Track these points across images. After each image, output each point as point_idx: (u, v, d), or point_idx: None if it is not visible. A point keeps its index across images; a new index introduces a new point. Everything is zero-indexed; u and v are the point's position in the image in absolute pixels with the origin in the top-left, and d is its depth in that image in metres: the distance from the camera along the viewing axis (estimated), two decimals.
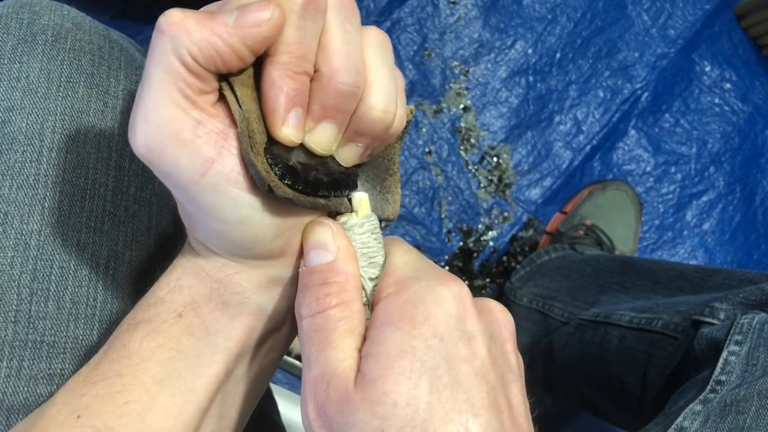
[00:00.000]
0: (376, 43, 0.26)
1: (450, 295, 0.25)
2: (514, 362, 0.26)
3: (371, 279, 0.27)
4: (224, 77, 0.24)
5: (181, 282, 0.27)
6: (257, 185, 0.24)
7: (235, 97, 0.24)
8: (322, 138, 0.26)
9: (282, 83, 0.23)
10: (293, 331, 0.31)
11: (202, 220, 0.26)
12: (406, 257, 0.28)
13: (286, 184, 0.24)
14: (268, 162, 0.24)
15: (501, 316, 0.27)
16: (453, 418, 0.22)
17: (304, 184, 0.25)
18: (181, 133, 0.23)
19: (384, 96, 0.26)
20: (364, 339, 0.25)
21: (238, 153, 0.24)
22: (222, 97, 0.24)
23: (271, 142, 0.25)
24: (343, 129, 0.26)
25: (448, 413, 0.22)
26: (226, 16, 0.22)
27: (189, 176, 0.23)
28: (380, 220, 0.31)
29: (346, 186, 0.27)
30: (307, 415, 0.24)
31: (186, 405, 0.26)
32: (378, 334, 0.24)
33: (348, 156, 0.27)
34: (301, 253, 0.27)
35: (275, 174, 0.24)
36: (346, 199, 0.28)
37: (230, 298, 0.27)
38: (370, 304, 0.27)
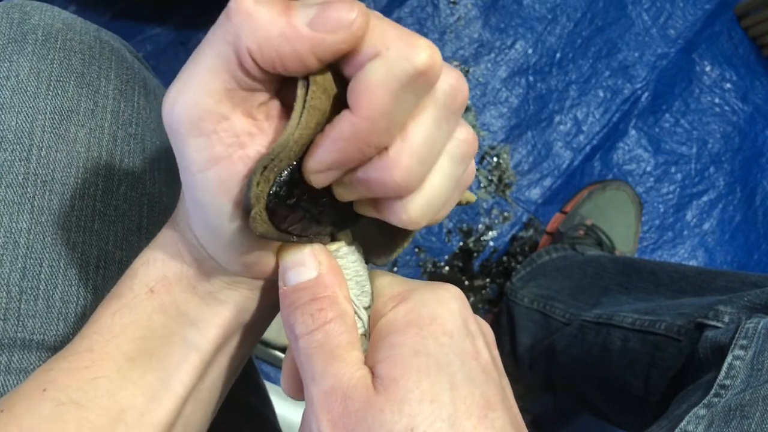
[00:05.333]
0: (459, 150, 0.24)
1: (450, 295, 0.25)
2: (501, 366, 0.27)
3: (366, 308, 0.26)
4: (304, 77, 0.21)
5: (156, 254, 0.27)
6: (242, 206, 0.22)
7: (303, 107, 0.21)
8: (337, 192, 0.24)
9: (346, 146, 0.21)
10: (264, 323, 0.30)
11: (187, 200, 0.25)
12: (390, 278, 0.27)
13: (270, 221, 0.23)
14: (269, 193, 0.22)
15: (484, 323, 0.28)
16: (473, 412, 0.23)
17: (288, 228, 0.23)
18: (201, 122, 0.21)
19: (424, 209, 0.23)
20: (365, 352, 0.25)
21: (245, 168, 0.22)
22: (269, 100, 0.22)
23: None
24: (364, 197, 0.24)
25: (469, 407, 0.23)
26: (302, 12, 0.20)
27: (189, 166, 0.22)
28: (367, 261, 0.29)
29: (339, 226, 0.26)
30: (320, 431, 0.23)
31: (157, 384, 0.26)
32: (385, 342, 0.24)
33: (347, 198, 0.25)
34: (274, 271, 0.26)
35: (265, 213, 0.22)
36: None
37: (198, 284, 0.27)
38: (368, 334, 0.26)
